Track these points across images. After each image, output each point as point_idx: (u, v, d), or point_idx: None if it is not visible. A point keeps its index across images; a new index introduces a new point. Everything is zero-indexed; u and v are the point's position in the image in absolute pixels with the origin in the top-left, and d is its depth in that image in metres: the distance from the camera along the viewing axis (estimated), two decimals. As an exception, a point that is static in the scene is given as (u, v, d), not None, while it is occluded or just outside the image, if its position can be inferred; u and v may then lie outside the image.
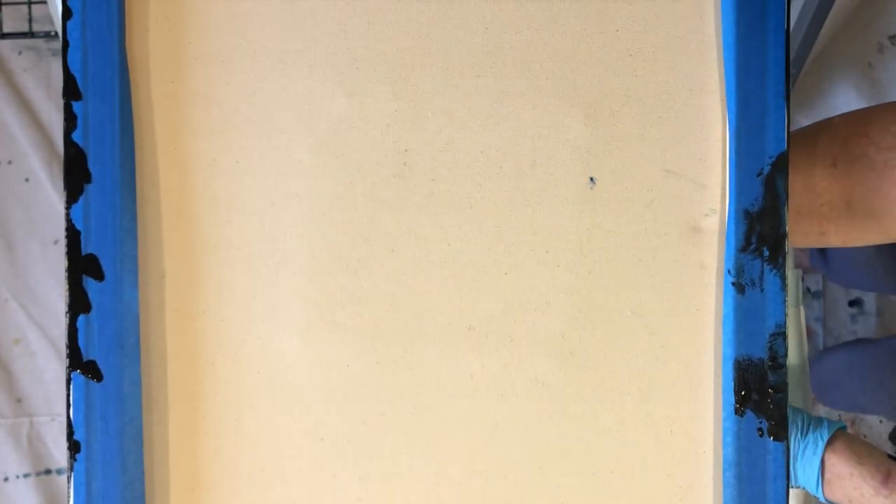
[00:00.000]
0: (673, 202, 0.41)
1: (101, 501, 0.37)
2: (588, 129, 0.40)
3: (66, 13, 0.37)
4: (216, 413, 0.39)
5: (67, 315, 0.37)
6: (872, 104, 0.69)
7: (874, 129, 0.43)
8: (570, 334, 0.40)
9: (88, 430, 0.37)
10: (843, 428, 0.50)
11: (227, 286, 0.39)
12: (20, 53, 1.08)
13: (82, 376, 0.37)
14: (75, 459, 0.37)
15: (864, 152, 0.43)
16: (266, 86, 0.39)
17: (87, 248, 0.37)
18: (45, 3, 0.98)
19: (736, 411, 0.39)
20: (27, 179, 1.07)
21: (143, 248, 0.39)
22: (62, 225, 1.12)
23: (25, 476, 1.06)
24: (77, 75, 0.37)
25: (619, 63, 0.40)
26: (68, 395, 0.37)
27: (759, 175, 0.40)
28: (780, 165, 0.40)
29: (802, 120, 0.80)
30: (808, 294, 1.04)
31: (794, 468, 0.50)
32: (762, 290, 0.40)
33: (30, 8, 1.00)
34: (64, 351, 1.06)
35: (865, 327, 1.05)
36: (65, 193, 0.37)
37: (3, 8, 1.01)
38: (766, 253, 0.40)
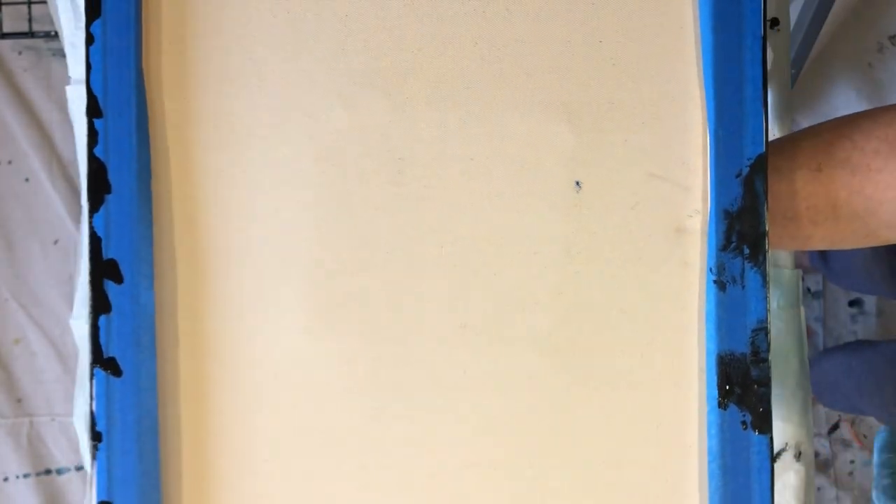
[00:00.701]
0: (657, 204, 0.44)
1: (121, 488, 0.41)
2: (573, 136, 0.43)
3: (89, 39, 0.41)
4: (224, 407, 0.43)
5: (90, 315, 0.41)
6: (872, 104, 0.71)
7: (858, 134, 0.45)
8: (559, 332, 0.43)
9: (109, 421, 0.41)
10: None
11: (235, 288, 0.43)
12: (20, 53, 1.11)
13: (103, 372, 0.41)
14: (97, 449, 0.41)
15: (848, 156, 0.45)
16: (271, 101, 0.43)
17: (107, 253, 0.41)
18: (44, 3, 1.01)
19: (719, 405, 0.42)
20: (27, 179, 1.11)
21: (158, 253, 0.43)
22: (62, 225, 1.16)
23: (25, 476, 1.10)
24: (99, 95, 0.41)
25: (603, 72, 0.43)
26: (91, 390, 0.41)
27: (738, 176, 0.42)
28: (759, 167, 0.42)
29: (802, 120, 0.81)
30: (808, 294, 1.05)
31: None
32: (743, 287, 0.42)
33: (30, 8, 1.03)
34: (64, 351, 1.10)
35: (865, 327, 1.06)
36: (87, 204, 0.41)
37: (3, 8, 1.04)
38: (747, 251, 0.42)
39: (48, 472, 1.09)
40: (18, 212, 1.10)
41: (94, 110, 0.42)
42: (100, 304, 0.42)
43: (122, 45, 0.42)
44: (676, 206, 0.44)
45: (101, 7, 0.42)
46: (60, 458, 1.09)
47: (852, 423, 1.04)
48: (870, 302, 1.05)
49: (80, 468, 1.09)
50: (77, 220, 1.08)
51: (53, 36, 1.07)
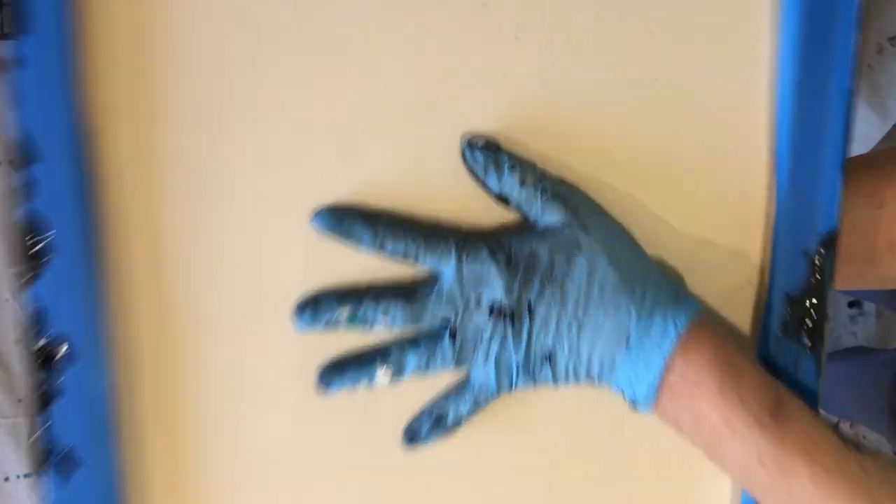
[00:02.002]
0: (708, 271, 0.39)
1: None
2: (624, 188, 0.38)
3: (15, 62, 0.33)
4: (204, 494, 0.39)
5: (34, 406, 0.35)
6: (872, 105, 0.68)
7: None
8: (583, 411, 0.40)
9: (65, 522, 0.36)
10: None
11: (210, 365, 0.38)
12: None
13: (59, 470, 0.36)
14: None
15: None
16: (253, 144, 0.36)
17: (50, 331, 0.35)
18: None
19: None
20: None
21: (116, 325, 0.36)
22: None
23: (26, 476, 1.10)
24: (29, 136, 0.33)
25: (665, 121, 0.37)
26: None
27: (805, 254, 0.38)
28: (830, 244, 0.38)
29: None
30: (808, 294, 1.04)
31: (615, 361, 0.35)
32: (796, 376, 0.39)
33: (31, 8, 0.98)
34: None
35: (865, 328, 1.07)
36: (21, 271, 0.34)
37: (4, 8, 1.01)
38: (805, 339, 0.38)
39: (49, 472, 1.12)
40: (18, 211, 1.07)
41: (25, 155, 0.34)
42: (47, 392, 0.36)
43: (55, 68, 0.34)
44: (728, 275, 0.39)
45: (30, 20, 0.33)
46: (62, 457, 1.11)
47: (852, 425, 1.06)
48: (869, 303, 1.05)
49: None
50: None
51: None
